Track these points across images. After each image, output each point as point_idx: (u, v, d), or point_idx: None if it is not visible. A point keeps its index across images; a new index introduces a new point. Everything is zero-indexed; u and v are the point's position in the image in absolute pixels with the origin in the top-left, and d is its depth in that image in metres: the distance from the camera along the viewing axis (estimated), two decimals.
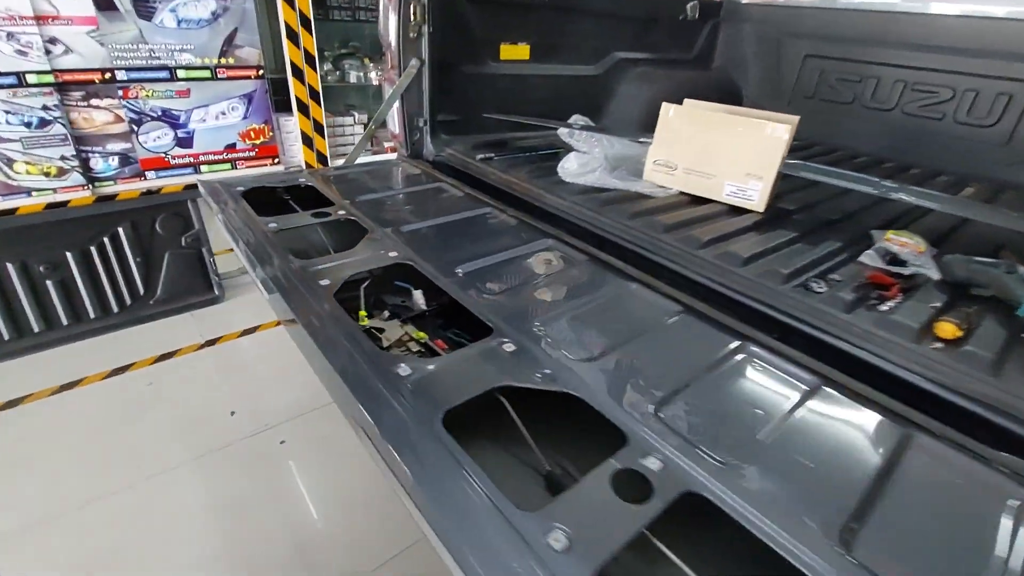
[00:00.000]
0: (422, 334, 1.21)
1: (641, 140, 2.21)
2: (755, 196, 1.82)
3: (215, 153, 3.27)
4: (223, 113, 3.23)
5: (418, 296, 1.37)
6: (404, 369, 1.02)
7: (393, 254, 1.44)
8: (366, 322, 1.23)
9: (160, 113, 3.05)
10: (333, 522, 2.15)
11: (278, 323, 3.33)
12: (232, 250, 3.76)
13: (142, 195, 3.07)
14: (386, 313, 1.29)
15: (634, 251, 1.55)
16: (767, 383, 1.08)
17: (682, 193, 1.95)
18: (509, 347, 1.11)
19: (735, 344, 1.17)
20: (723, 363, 1.12)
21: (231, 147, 3.31)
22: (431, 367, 1.04)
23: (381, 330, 1.21)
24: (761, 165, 1.77)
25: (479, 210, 1.81)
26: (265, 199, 1.86)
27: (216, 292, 3.50)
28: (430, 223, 1.68)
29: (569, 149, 2.41)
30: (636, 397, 1.00)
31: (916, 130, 2.79)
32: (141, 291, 3.23)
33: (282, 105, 3.49)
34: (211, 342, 3.13)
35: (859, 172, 1.85)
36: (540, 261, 1.49)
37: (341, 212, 1.69)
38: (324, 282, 1.29)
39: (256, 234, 1.52)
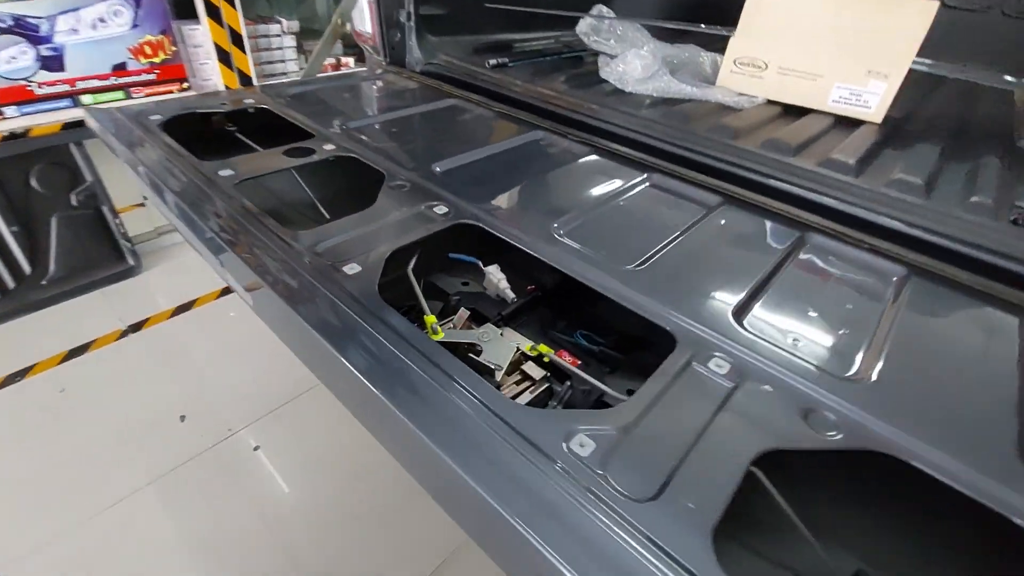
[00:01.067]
0: (544, 348, 0.71)
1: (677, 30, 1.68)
2: (874, 102, 1.37)
3: (99, 77, 2.37)
4: (101, 20, 2.31)
5: (495, 275, 0.84)
6: (583, 444, 0.52)
7: (442, 210, 0.89)
8: (440, 334, 0.70)
9: (11, 23, 2.11)
10: (340, 546, 1.68)
11: (219, 293, 2.64)
12: (143, 204, 2.92)
13: (4, 140, 2.18)
14: (461, 313, 0.76)
15: (771, 184, 1.07)
16: None
17: (770, 102, 1.48)
18: (721, 365, 0.63)
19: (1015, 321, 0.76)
20: None
21: (120, 68, 2.41)
22: (614, 431, 0.55)
23: (476, 348, 0.69)
24: (889, 59, 1.32)
25: (527, 135, 1.24)
26: (198, 133, 1.20)
27: (130, 261, 2.70)
28: (470, 157, 1.11)
29: (594, 52, 1.85)
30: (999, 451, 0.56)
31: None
32: (27, 270, 2.40)
33: (184, 9, 2.57)
34: (135, 327, 2.41)
35: None
36: (657, 204, 0.99)
37: (329, 147, 1.08)
38: (351, 268, 0.73)
39: (203, 190, 0.90)
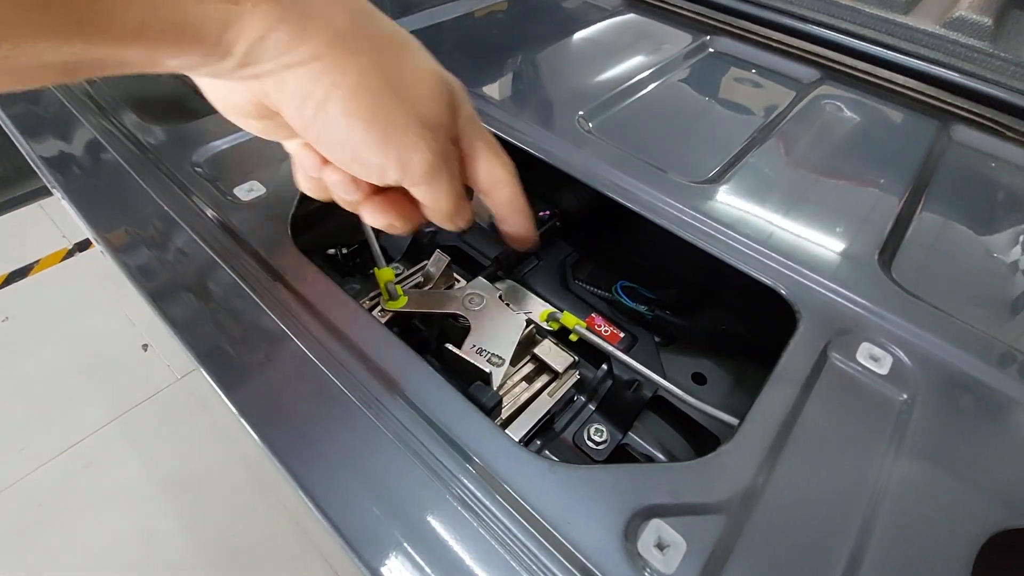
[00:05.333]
0: (570, 317, 0.43)
1: None
2: None
3: None
4: None
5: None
6: (663, 545, 0.27)
7: None
8: (402, 299, 0.42)
9: None
10: None
11: None
12: None
13: None
14: (437, 258, 0.47)
15: (882, 56, 0.73)
16: None
17: None
18: (879, 357, 0.36)
19: None
20: None
21: None
22: (720, 509, 0.29)
23: (459, 322, 0.41)
24: None
25: None
26: None
27: None
28: (449, 11, 0.75)
29: None
30: None
31: None
32: None
33: None
34: (82, 245, 2.10)
35: None
36: (727, 82, 0.67)
37: None
38: (249, 191, 0.43)
39: None
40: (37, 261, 2.04)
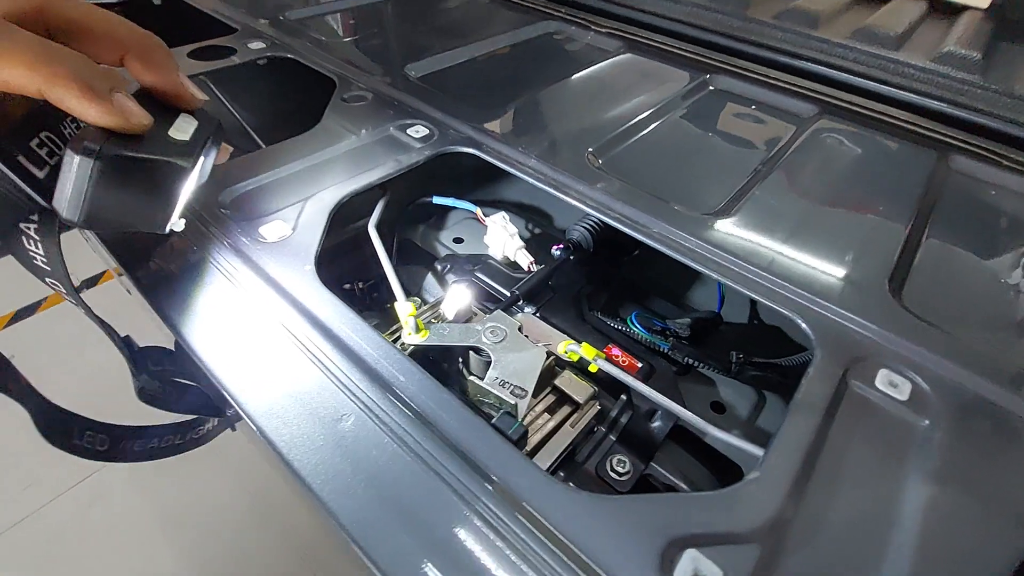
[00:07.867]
0: (589, 348, 0.43)
1: None
2: None
3: None
4: None
5: (502, 229, 0.55)
6: (699, 574, 0.27)
7: (420, 132, 0.59)
8: (424, 332, 0.42)
9: None
10: None
11: None
12: None
13: None
14: (456, 291, 0.48)
15: (879, 91, 0.76)
16: None
17: None
18: (898, 383, 0.37)
19: None
20: None
21: None
22: (754, 539, 0.29)
23: (480, 356, 0.42)
24: None
25: (535, 27, 0.90)
26: None
27: None
28: (460, 56, 0.78)
29: None
30: None
31: None
32: None
33: None
34: (91, 282, 2.12)
35: None
36: (727, 118, 0.69)
37: (257, 46, 0.74)
38: (274, 230, 0.45)
39: None
40: (45, 298, 2.05)
